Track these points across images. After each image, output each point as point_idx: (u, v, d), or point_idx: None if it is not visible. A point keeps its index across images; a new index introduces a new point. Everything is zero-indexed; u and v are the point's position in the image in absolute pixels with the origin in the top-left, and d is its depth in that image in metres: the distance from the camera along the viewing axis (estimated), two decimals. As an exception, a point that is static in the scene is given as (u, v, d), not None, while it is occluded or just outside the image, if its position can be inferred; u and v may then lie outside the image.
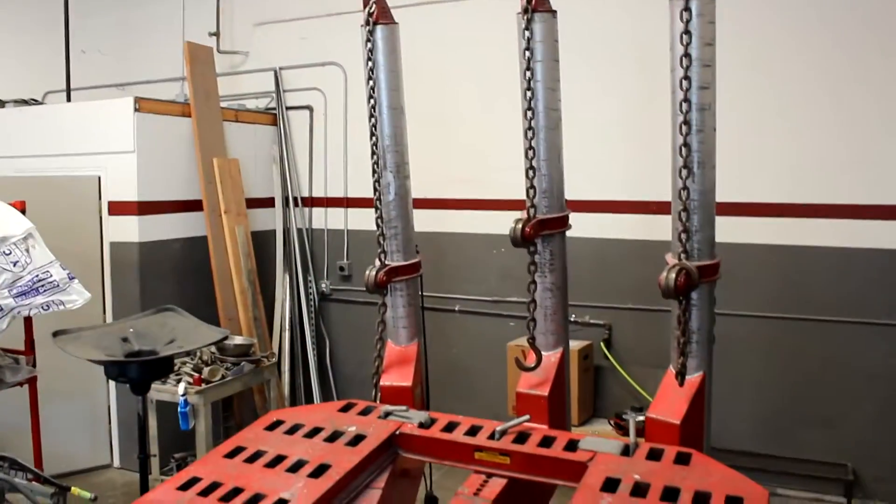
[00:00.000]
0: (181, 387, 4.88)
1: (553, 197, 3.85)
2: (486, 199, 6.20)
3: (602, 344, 5.87)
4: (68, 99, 6.70)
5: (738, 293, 5.34)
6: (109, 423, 6.08)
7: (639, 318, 5.80)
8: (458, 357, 6.29)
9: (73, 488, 3.59)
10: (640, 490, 2.95)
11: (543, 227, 3.78)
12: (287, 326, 6.66)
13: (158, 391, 5.09)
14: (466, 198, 6.23)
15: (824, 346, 5.48)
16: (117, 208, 5.83)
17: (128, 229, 5.78)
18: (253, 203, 6.62)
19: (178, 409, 4.86)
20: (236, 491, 3.06)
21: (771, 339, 5.60)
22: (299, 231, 6.89)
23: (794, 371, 5.56)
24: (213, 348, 5.39)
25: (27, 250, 4.23)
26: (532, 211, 3.77)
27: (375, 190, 4.01)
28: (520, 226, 3.68)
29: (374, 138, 3.90)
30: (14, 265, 4.12)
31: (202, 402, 5.01)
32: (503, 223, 5.84)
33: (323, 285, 6.90)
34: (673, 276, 3.37)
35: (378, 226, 4.01)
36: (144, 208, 5.78)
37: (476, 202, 6.22)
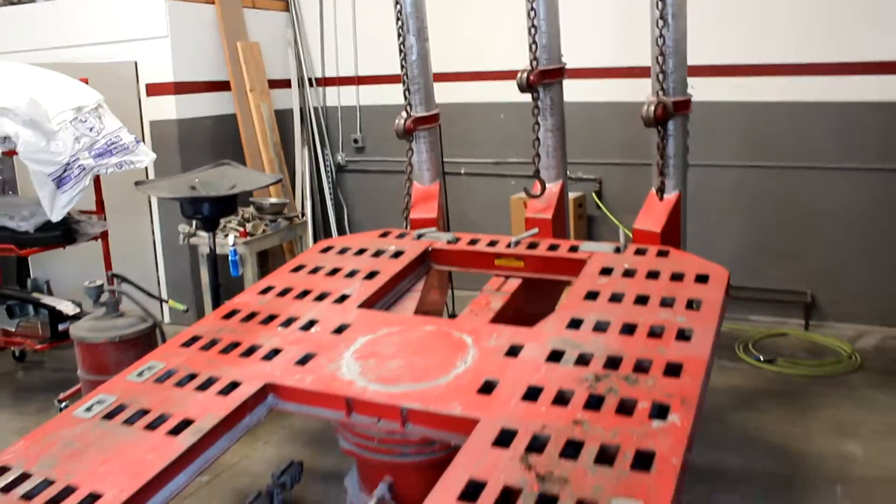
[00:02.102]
0: (230, 238, 5.62)
1: (552, 50, 4.53)
2: (487, 71, 6.82)
3: (594, 195, 6.63)
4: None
5: (711, 147, 6.05)
6: (158, 284, 6.84)
7: (626, 172, 6.52)
8: (465, 214, 6.99)
9: (169, 300, 4.38)
10: (629, 273, 3.77)
11: (544, 77, 4.47)
12: (308, 195, 7.37)
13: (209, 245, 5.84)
14: (469, 70, 6.85)
15: (786, 189, 6.21)
16: (155, 89, 6.47)
17: (166, 108, 6.43)
18: (271, 84, 7.24)
19: (229, 258, 5.61)
20: (306, 292, 3.87)
21: (739, 185, 6.32)
22: (315, 109, 7.54)
23: (760, 212, 6.31)
24: (252, 209, 6.12)
25: (99, 118, 4.90)
26: (534, 63, 4.45)
27: (400, 51, 4.66)
28: (525, 74, 4.38)
29: (398, 6, 4.55)
30: (90, 130, 4.80)
31: (248, 252, 5.78)
32: (502, 92, 6.57)
33: (339, 157, 7.59)
34: (652, 108, 4.10)
35: (403, 82, 4.69)
36: (180, 88, 6.42)
37: (478, 74, 6.84)
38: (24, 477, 2.66)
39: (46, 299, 5.18)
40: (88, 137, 4.76)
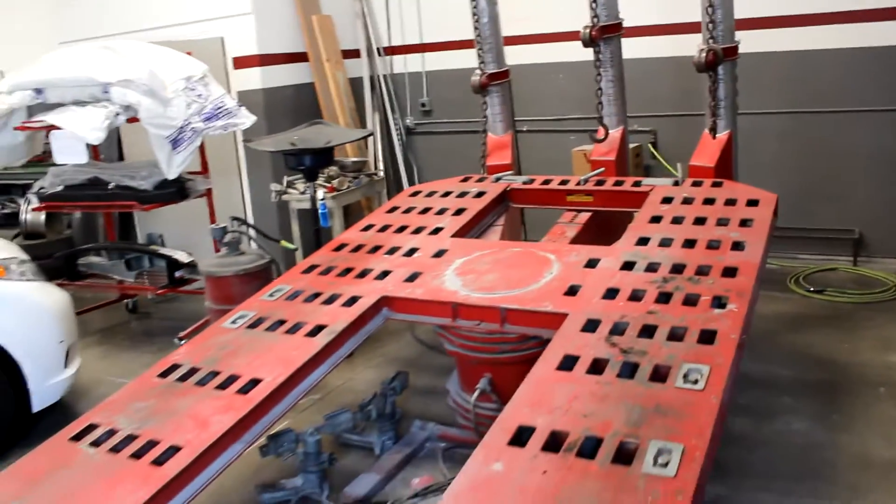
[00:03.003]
0: (320, 192, 6.21)
1: (610, 8, 5.01)
2: (543, 34, 7.28)
3: (650, 145, 7.07)
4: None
5: (759, 96, 6.43)
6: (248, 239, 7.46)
7: (679, 123, 6.90)
8: (529, 169, 7.41)
9: (281, 241, 4.99)
10: (688, 200, 4.25)
11: (605, 31, 4.95)
12: (381, 156, 7.92)
13: (299, 201, 6.46)
14: (528, 33, 7.29)
15: (831, 134, 6.54)
16: (241, 62, 7.06)
17: (251, 79, 7.03)
18: (343, 55, 7.79)
19: (319, 211, 6.18)
20: (403, 227, 4.43)
21: (786, 131, 6.66)
22: (383, 76, 8.07)
23: (807, 157, 6.66)
24: (336, 168, 6.70)
25: (206, 85, 5.50)
26: (595, 20, 4.92)
27: (473, 15, 5.16)
28: (587, 30, 4.86)
29: (470, -25, 5.04)
30: (199, 97, 5.40)
31: (336, 206, 6.37)
32: (560, 53, 7.02)
33: (407, 121, 8.13)
34: (704, 55, 4.55)
35: (477, 43, 5.19)
36: (264, 60, 7.01)
37: (537, 37, 7.28)
38: (193, 371, 3.27)
39: (163, 250, 5.83)
40: (198, 103, 5.36)
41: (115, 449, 2.82)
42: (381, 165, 7.88)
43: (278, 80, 7.17)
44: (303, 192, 6.44)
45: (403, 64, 8.10)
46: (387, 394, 4.01)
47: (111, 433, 2.91)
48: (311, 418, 4.39)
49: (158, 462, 2.69)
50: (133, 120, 5.30)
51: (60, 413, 4.71)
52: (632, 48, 6.11)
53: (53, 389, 4.56)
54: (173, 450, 2.74)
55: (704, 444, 2.31)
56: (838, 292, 5.90)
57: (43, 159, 7.14)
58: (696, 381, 2.60)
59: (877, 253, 6.68)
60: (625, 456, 2.31)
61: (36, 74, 5.56)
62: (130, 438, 2.85)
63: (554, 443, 2.40)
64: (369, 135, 5.88)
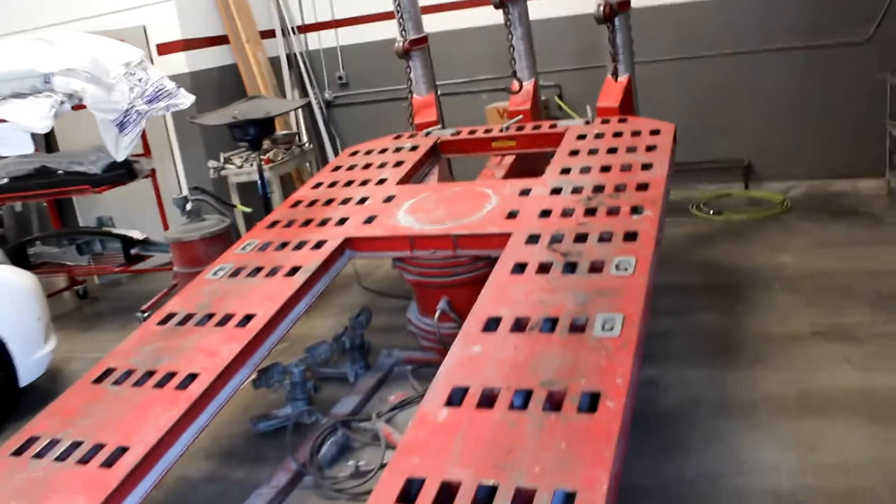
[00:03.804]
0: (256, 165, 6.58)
1: (516, -28, 5.52)
2: (452, 2, 7.78)
3: (556, 98, 7.68)
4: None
5: (654, 45, 7.10)
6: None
7: (580, 76, 7.55)
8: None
9: (237, 205, 5.38)
10: (599, 135, 4.84)
11: (513, -7, 5.47)
12: (303, 130, 8.30)
13: (237, 175, 6.82)
14: (437, 3, 7.77)
15: (719, 74, 7.28)
16: (165, 48, 7.34)
17: (177, 63, 7.30)
18: (260, 35, 8.12)
19: (258, 183, 6.56)
20: (350, 181, 4.88)
21: (678, 75, 7.38)
22: (300, 54, 8.43)
23: (698, 97, 7.39)
24: (267, 141, 7.07)
25: (144, 70, 5.79)
26: (503, -17, 5.44)
27: (392, -15, 5.61)
28: (497, -8, 5.37)
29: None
30: (140, 81, 5.70)
31: (273, 175, 6.76)
32: (468, 19, 7.54)
33: (326, 95, 8.52)
34: (601, 9, 5.12)
35: (397, 12, 5.64)
36: (188, 45, 7.31)
37: (444, 6, 7.78)
38: (189, 316, 3.69)
39: (116, 231, 6.13)
40: (139, 87, 5.65)
41: (138, 384, 3.22)
42: (304, 137, 8.27)
43: (203, 63, 7.47)
44: (240, 167, 6.81)
45: (318, 40, 8.47)
46: (356, 326, 4.49)
47: (129, 372, 3.31)
48: (285, 361, 4.84)
49: (182, 387, 3.12)
50: (79, 107, 5.56)
51: (44, 390, 5.03)
52: (535, 10, 6.69)
53: (37, 364, 4.87)
54: (192, 377, 3.17)
55: (639, 312, 2.89)
56: (734, 212, 6.66)
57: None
58: (626, 269, 3.19)
59: (763, 178, 7.48)
60: (578, 328, 2.87)
61: (-31, 71, 5.75)
62: (149, 374, 3.26)
63: (519, 326, 2.95)
64: (307, 103, 6.27)
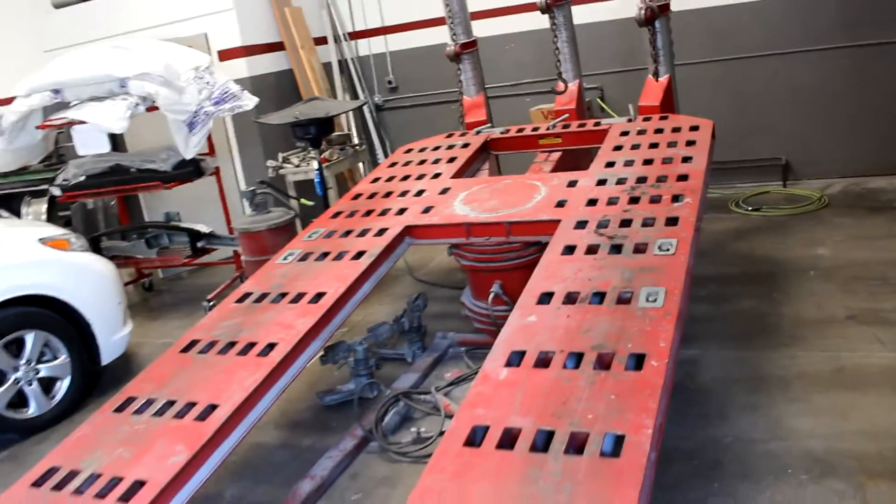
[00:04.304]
0: (314, 164, 6.94)
1: (561, -22, 5.82)
2: (496, 8, 8.09)
3: (598, 100, 7.95)
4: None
5: (693, 47, 7.35)
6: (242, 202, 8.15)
7: (621, 78, 7.81)
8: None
9: (301, 199, 5.75)
10: (641, 132, 5.10)
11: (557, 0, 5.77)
12: (354, 133, 8.67)
13: (294, 173, 7.20)
14: (481, 9, 8.08)
15: (757, 76, 7.52)
16: (225, 55, 7.75)
17: (238, 69, 7.70)
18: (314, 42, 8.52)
19: (315, 180, 6.92)
20: (406, 176, 5.19)
21: (719, 76, 7.63)
22: (351, 60, 8.80)
23: (739, 97, 7.62)
24: (323, 142, 7.43)
25: (211, 73, 6.20)
26: (549, -11, 5.74)
27: (443, -8, 5.95)
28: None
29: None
30: (207, 84, 6.10)
31: (329, 174, 7.12)
32: (510, 24, 7.85)
33: (376, 98, 8.88)
34: (642, 12, 5.40)
35: (448, 18, 5.96)
36: (249, 51, 7.72)
37: (488, 11, 8.08)
38: (265, 295, 4.02)
39: (184, 224, 6.53)
40: (207, 90, 6.06)
41: (222, 352, 3.56)
42: (355, 140, 8.63)
43: (262, 69, 7.88)
44: (297, 165, 7.19)
45: (368, 46, 8.84)
46: (413, 310, 4.81)
47: (213, 343, 3.65)
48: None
49: (263, 354, 3.46)
50: (152, 109, 5.97)
51: (120, 370, 5.42)
52: (579, 14, 6.98)
53: (117, 345, 5.26)
54: (271, 346, 3.50)
55: (680, 286, 3.17)
56: (772, 208, 6.87)
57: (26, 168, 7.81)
58: (668, 250, 3.46)
59: (802, 176, 7.68)
60: (624, 300, 3.15)
61: (52, 76, 6.20)
62: (231, 344, 3.60)
63: (569, 299, 3.24)
64: (364, 103, 6.62)
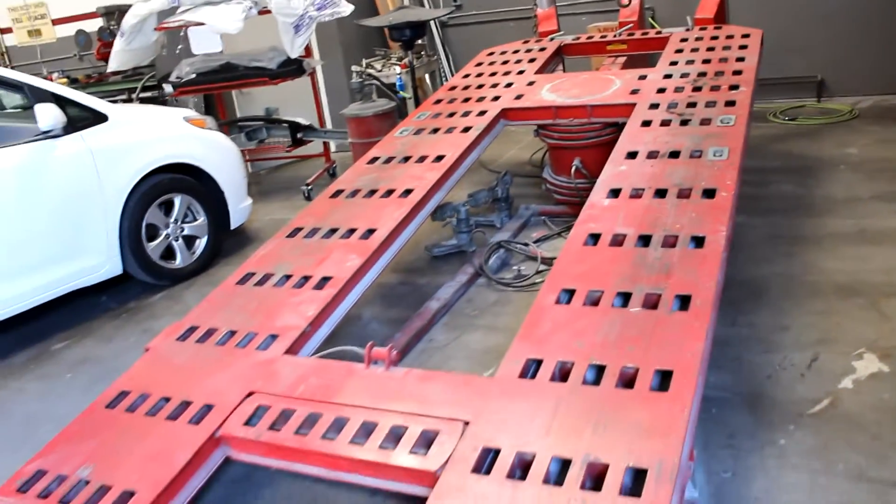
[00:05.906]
0: (395, 69, 7.77)
1: None
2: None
3: (650, 19, 8.68)
4: None
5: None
6: (322, 117, 9.01)
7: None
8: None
9: (400, 91, 6.63)
10: (699, 38, 5.86)
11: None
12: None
13: (377, 76, 8.02)
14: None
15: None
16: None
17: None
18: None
19: (396, 84, 7.76)
20: (493, 73, 5.99)
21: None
22: (420, -23, 9.54)
23: (775, 18, 8.31)
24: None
25: (314, -17, 6.99)
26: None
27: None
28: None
29: None
30: (311, -8, 6.90)
31: (408, 79, 7.93)
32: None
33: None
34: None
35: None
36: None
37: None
38: (391, 158, 4.89)
39: (285, 118, 7.41)
40: (311, -3, 6.87)
41: (367, 196, 4.46)
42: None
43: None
44: (380, 70, 8.01)
45: (434, -36, 9.58)
46: (503, 183, 5.68)
47: (356, 191, 4.54)
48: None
49: (404, 195, 4.33)
50: (263, 12, 6.79)
51: (238, 240, 6.35)
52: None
53: (242, 212, 6.17)
54: (408, 191, 4.38)
55: (740, 145, 4.02)
56: (807, 118, 7.65)
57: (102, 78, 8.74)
58: (728, 122, 4.31)
59: (835, 93, 8.42)
60: (695, 156, 4.01)
61: (171, -18, 7.02)
62: (373, 191, 4.48)
63: (652, 155, 4.09)
64: (458, 6, 7.41)
